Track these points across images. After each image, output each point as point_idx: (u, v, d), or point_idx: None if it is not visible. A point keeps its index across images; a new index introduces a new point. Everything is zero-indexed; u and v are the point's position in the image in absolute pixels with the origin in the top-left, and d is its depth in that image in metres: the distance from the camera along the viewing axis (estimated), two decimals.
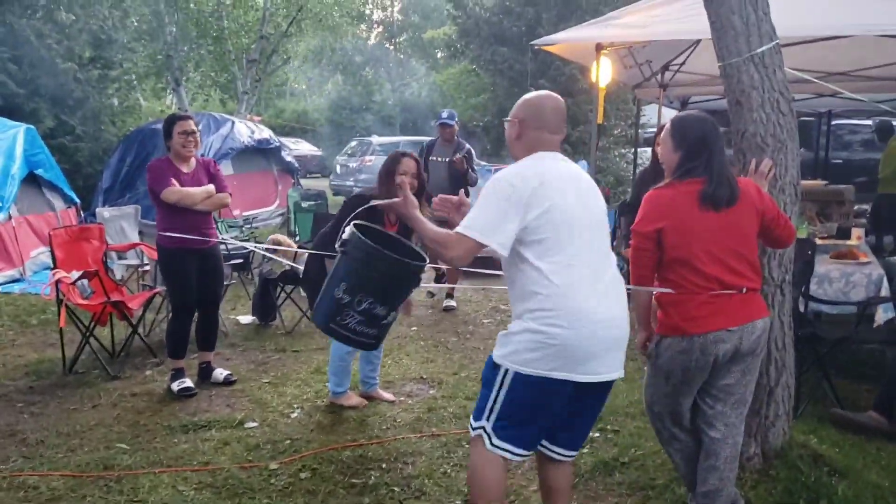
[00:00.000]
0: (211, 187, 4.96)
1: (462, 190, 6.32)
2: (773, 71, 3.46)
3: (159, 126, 4.93)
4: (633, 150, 9.13)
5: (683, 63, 7.05)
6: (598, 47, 4.92)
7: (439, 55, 33.73)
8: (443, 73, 27.94)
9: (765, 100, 3.43)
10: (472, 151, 7.60)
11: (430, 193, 4.19)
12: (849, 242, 6.07)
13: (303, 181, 17.47)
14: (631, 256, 3.09)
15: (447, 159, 7.24)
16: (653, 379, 3.17)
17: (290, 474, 3.81)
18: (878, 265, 5.40)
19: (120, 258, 7.78)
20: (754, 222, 3.04)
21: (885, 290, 5.11)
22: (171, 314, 5.19)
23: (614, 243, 7.58)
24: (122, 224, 8.29)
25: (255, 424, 4.50)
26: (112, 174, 11.43)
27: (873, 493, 3.50)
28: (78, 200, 9.57)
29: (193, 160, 4.96)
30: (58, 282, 5.36)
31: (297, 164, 14.66)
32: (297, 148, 25.98)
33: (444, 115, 7.62)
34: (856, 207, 7.65)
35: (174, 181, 4.79)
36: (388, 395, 4.90)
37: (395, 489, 3.65)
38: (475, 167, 7.60)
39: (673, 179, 3.05)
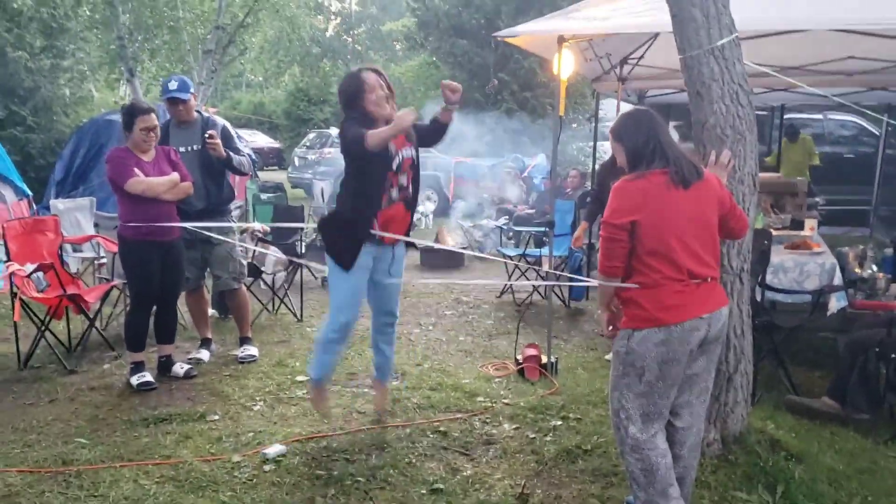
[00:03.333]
0: (175, 176, 4.85)
1: (227, 181, 5.58)
2: (732, 63, 3.52)
3: (114, 117, 4.83)
4: (591, 143, 9.21)
5: (642, 57, 7.12)
6: (560, 39, 4.95)
7: (398, 48, 33.66)
8: (402, 65, 27.86)
9: (724, 92, 3.50)
10: (230, 126, 5.70)
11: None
12: (802, 233, 6.22)
13: (260, 174, 17.30)
14: (602, 248, 3.04)
15: (193, 147, 5.34)
16: (623, 379, 3.02)
17: (254, 467, 3.78)
18: (830, 255, 5.55)
19: (75, 251, 7.62)
20: (716, 210, 3.06)
21: (837, 279, 5.25)
22: (129, 307, 5.11)
23: (573, 235, 7.66)
24: (77, 216, 8.12)
25: (216, 417, 4.46)
26: (65, 166, 11.16)
27: (828, 475, 3.61)
28: (30, 193, 9.34)
29: (153, 150, 4.87)
30: (11, 275, 5.24)
31: (254, 157, 14.52)
32: (254, 140, 25.69)
33: (172, 84, 5.32)
34: (808, 200, 7.82)
35: (137, 171, 4.70)
36: (384, 404, 4.53)
37: (360, 480, 3.65)
38: (240, 145, 5.63)
39: (638, 173, 3.02)
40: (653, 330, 2.93)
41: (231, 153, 5.34)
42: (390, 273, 4.24)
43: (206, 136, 5.21)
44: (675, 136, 3.39)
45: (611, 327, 3.19)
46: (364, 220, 3.96)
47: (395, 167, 3.97)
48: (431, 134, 4.24)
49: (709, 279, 3.01)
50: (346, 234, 4.03)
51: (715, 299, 3.04)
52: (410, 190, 4.13)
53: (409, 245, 4.44)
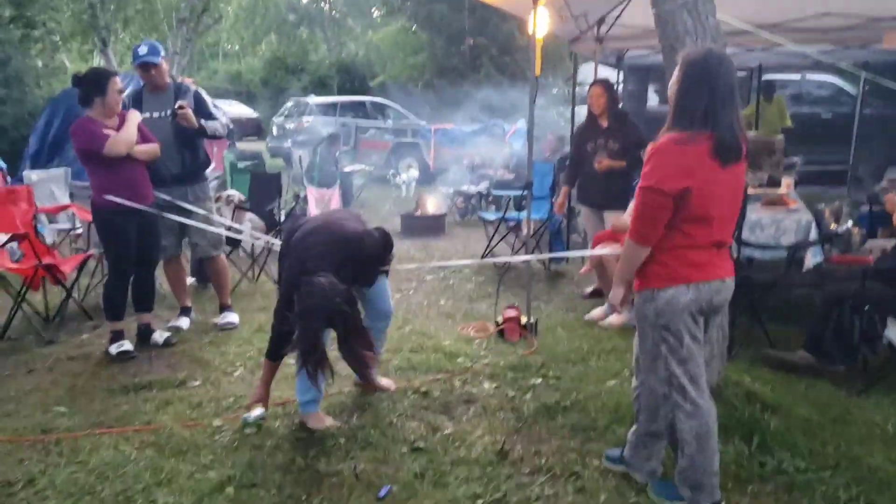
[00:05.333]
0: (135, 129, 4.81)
1: (202, 146, 5.44)
2: (705, 17, 3.52)
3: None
4: (570, 108, 9.17)
5: (619, 16, 7.08)
6: None
7: (375, 14, 33.25)
8: (380, 32, 27.56)
9: (698, 46, 3.48)
10: (203, 92, 5.52)
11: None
12: (779, 191, 6.24)
13: (239, 144, 17.13)
14: (643, 215, 2.77)
15: (166, 112, 5.22)
16: (662, 346, 2.86)
17: (235, 430, 3.79)
18: (807, 211, 5.58)
19: (51, 222, 7.55)
20: (744, 179, 2.94)
21: (814, 235, 5.30)
22: (108, 276, 5.07)
23: (553, 199, 7.66)
24: (51, 187, 8.04)
25: (197, 383, 4.45)
26: (39, 138, 11.03)
27: (802, 426, 3.67)
28: (4, 165, 9.22)
29: (116, 116, 4.79)
30: None
31: (231, 126, 14.39)
32: (232, 110, 25.41)
33: (142, 49, 5.20)
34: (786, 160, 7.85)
35: (109, 132, 4.63)
36: (386, 383, 4.33)
37: (342, 440, 3.66)
38: (214, 110, 5.46)
39: (681, 131, 2.73)
40: (681, 288, 2.79)
41: (203, 121, 5.26)
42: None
43: (177, 107, 5.13)
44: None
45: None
46: None
47: None
48: None
49: (727, 246, 2.96)
50: None
51: (730, 265, 2.96)
52: None
53: None
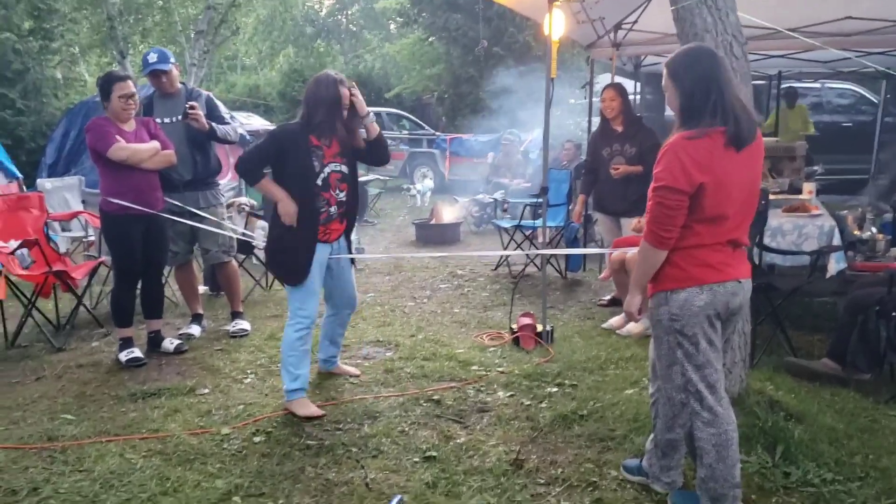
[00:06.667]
0: (157, 144, 4.79)
1: (213, 152, 5.43)
2: (725, 14, 3.43)
3: None
4: (587, 118, 9.09)
5: (636, 21, 7.00)
6: None
7: (392, 26, 33.32)
8: (396, 43, 27.61)
9: (718, 43, 3.40)
10: (213, 97, 5.53)
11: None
12: (801, 196, 6.12)
13: None
14: (658, 216, 2.64)
15: (177, 118, 5.23)
16: (678, 351, 2.75)
17: (244, 438, 3.71)
18: (829, 217, 5.45)
19: (64, 230, 7.54)
20: (761, 173, 2.83)
21: (836, 242, 5.16)
22: (114, 282, 5.02)
23: (570, 206, 7.56)
24: (65, 195, 8.05)
25: (206, 391, 4.38)
26: (56, 149, 11.06)
27: (828, 435, 3.54)
28: (20, 175, 9.24)
29: (133, 120, 4.78)
30: None
31: (248, 137, 14.40)
32: (249, 122, 25.48)
33: (152, 57, 5.25)
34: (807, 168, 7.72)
35: (119, 138, 4.60)
36: (352, 370, 4.62)
37: (353, 449, 3.58)
38: (226, 115, 5.55)
39: (692, 128, 2.65)
40: (694, 290, 2.69)
41: (214, 124, 5.22)
42: (340, 263, 4.25)
43: (187, 107, 5.11)
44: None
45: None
46: (305, 243, 3.98)
47: (319, 182, 3.95)
48: (371, 153, 4.20)
49: (743, 247, 2.84)
50: (289, 257, 4.01)
51: (747, 266, 2.84)
52: (348, 204, 4.13)
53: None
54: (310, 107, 3.92)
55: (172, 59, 5.32)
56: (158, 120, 5.15)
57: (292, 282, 4.02)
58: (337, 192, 4.02)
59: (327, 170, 3.97)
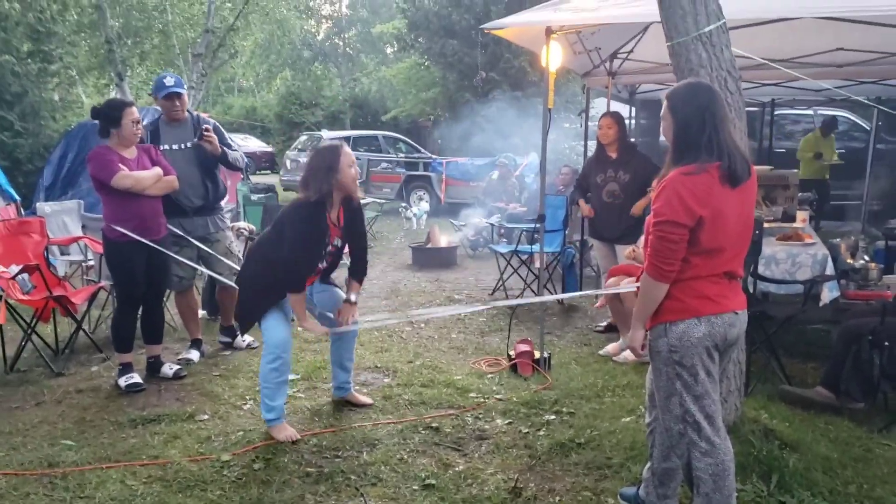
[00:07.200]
0: (159, 170, 4.84)
1: (220, 179, 5.57)
2: (720, 50, 3.49)
3: None
4: (583, 142, 9.18)
5: (632, 51, 7.10)
6: (548, 31, 4.92)
7: (388, 50, 33.59)
8: (393, 67, 27.83)
9: (713, 78, 3.46)
10: (219, 125, 5.61)
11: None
12: (794, 225, 6.19)
13: (253, 178, 17.23)
14: (659, 250, 2.68)
15: (189, 144, 5.33)
16: (676, 383, 2.78)
17: (244, 465, 3.73)
18: (822, 246, 5.52)
19: (63, 254, 7.56)
20: (754, 207, 2.89)
21: (830, 270, 5.22)
22: (115, 307, 5.05)
23: (566, 231, 7.63)
24: (64, 219, 8.07)
25: (206, 417, 4.40)
26: (53, 171, 11.08)
27: (822, 464, 3.57)
28: (18, 197, 9.26)
29: (134, 147, 4.83)
30: None
31: (246, 159, 14.49)
32: (246, 144, 25.60)
33: (169, 80, 5.31)
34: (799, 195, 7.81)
35: (122, 166, 4.65)
36: (365, 399, 4.60)
37: (352, 477, 3.60)
38: (231, 143, 5.70)
39: (687, 163, 2.69)
40: (692, 322, 2.73)
41: (225, 148, 5.37)
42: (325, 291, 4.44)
43: (203, 129, 5.24)
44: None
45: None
46: (290, 288, 4.06)
47: (326, 251, 4.16)
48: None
49: (738, 278, 2.88)
50: (263, 298, 4.08)
51: (742, 297, 2.89)
52: (328, 267, 4.37)
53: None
54: (319, 181, 3.96)
55: (186, 84, 5.38)
56: (166, 146, 5.26)
57: (243, 325, 4.33)
58: (323, 263, 4.22)
59: (329, 248, 4.16)
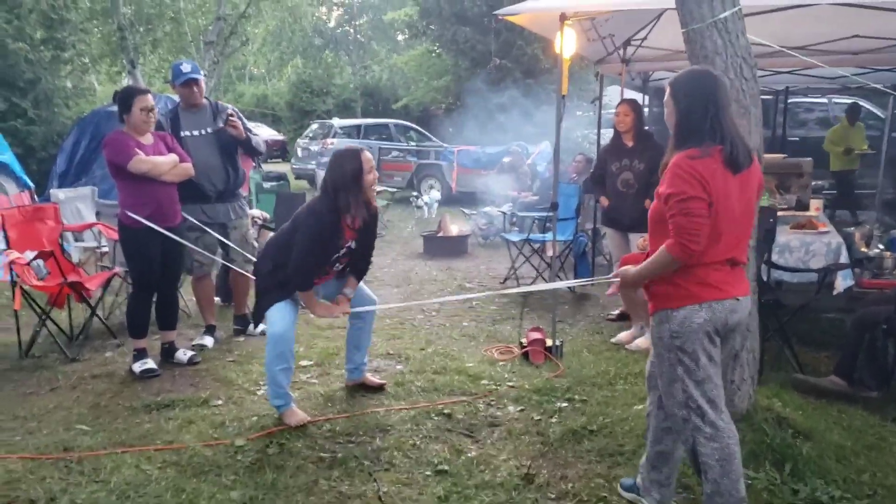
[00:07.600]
0: (175, 156, 4.86)
1: (248, 164, 5.68)
2: (735, 36, 3.47)
3: (115, 108, 4.78)
4: (596, 131, 9.14)
5: (646, 38, 7.06)
6: (562, 17, 4.90)
7: (400, 38, 33.49)
8: (404, 55, 27.77)
9: (728, 65, 3.45)
10: (237, 111, 5.66)
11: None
12: (808, 213, 6.16)
13: (264, 166, 17.25)
14: (683, 225, 2.64)
15: (210, 129, 5.38)
16: (678, 368, 2.78)
17: (258, 450, 3.76)
18: (836, 234, 5.50)
19: (77, 240, 7.60)
20: (756, 194, 2.89)
21: (844, 259, 5.20)
22: (130, 293, 5.08)
23: (579, 219, 7.62)
24: (78, 206, 8.10)
25: (220, 402, 4.43)
26: (67, 158, 11.14)
27: (836, 452, 3.57)
28: (32, 184, 9.32)
29: (150, 134, 4.85)
30: (11, 263, 5.21)
31: (264, 144, 14.49)
32: (258, 133, 25.62)
33: (186, 67, 5.36)
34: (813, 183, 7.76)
35: (138, 151, 4.67)
36: (377, 381, 4.64)
37: (365, 462, 3.62)
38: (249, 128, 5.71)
39: (690, 147, 2.71)
40: (693, 308, 2.74)
41: (248, 133, 5.44)
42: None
43: (228, 114, 5.31)
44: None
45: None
46: (297, 289, 4.14)
47: (340, 253, 4.18)
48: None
49: (741, 265, 2.89)
50: (275, 293, 4.14)
51: (745, 284, 2.90)
52: (343, 269, 4.36)
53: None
54: (337, 187, 4.01)
55: (202, 72, 5.43)
56: (187, 133, 5.31)
57: (256, 318, 4.49)
58: (337, 265, 4.24)
59: (343, 250, 4.17)
